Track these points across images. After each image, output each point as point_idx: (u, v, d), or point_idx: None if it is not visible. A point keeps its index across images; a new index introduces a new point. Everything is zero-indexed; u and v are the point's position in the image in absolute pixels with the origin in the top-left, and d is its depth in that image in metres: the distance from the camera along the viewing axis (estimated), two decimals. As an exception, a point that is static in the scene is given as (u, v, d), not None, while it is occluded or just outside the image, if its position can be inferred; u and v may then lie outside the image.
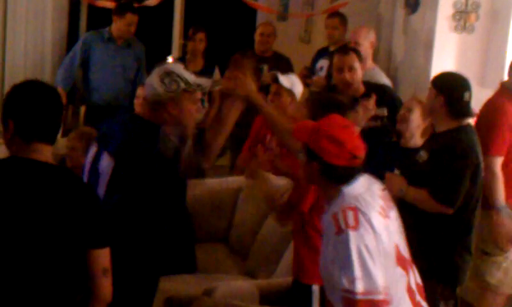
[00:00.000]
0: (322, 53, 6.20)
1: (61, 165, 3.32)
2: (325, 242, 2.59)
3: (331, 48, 6.13)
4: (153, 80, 3.14)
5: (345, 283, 2.40)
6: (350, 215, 2.47)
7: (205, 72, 6.18)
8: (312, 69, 6.22)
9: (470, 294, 4.63)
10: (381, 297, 2.40)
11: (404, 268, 2.58)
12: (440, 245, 3.76)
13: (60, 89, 5.92)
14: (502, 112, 4.33)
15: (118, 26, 6.08)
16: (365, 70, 4.84)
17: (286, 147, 3.50)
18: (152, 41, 6.82)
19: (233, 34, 7.81)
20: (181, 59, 6.33)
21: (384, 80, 5.29)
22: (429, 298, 2.80)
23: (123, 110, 5.63)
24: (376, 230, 2.46)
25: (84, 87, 6.31)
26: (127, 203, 3.09)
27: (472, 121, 4.10)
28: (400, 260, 2.56)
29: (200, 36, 6.26)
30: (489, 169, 4.16)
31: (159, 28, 7.55)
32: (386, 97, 4.64)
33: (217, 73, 6.25)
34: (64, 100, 5.95)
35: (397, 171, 3.91)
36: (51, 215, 2.46)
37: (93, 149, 3.24)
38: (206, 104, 6.20)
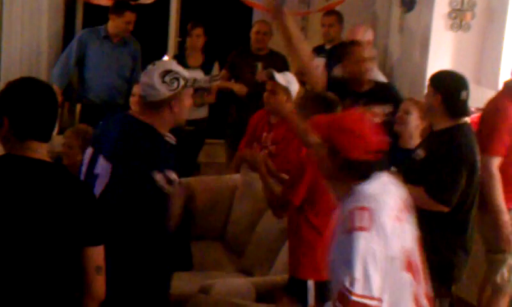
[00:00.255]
0: (318, 51, 6.20)
1: (57, 162, 3.31)
2: (335, 236, 2.56)
3: (327, 46, 6.14)
4: (154, 80, 3.08)
5: (346, 280, 2.39)
6: (363, 215, 2.43)
7: (204, 67, 6.19)
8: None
9: (467, 292, 4.64)
10: (374, 303, 2.38)
11: (414, 275, 2.54)
12: (436, 244, 3.77)
13: (56, 87, 5.90)
14: (503, 113, 4.31)
15: (116, 24, 6.07)
16: (374, 64, 4.85)
17: (306, 145, 3.53)
18: (148, 39, 6.81)
19: (230, 31, 7.80)
20: (179, 56, 6.33)
21: (381, 78, 5.29)
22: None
23: (119, 109, 5.62)
24: (386, 234, 2.42)
25: (79, 85, 6.30)
26: (124, 204, 3.06)
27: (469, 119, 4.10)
28: (409, 266, 2.52)
29: (197, 31, 6.25)
30: (486, 169, 4.15)
31: (155, 26, 7.54)
32: (391, 95, 4.65)
33: (216, 69, 6.25)
34: (60, 97, 5.94)
35: (394, 169, 3.92)
36: (46, 213, 2.45)
37: (89, 152, 3.20)
38: (205, 100, 6.22)
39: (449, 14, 5.55)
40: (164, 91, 3.08)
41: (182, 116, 3.20)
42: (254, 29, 6.45)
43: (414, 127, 4.19)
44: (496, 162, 4.26)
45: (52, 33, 6.50)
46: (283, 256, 3.97)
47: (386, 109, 4.50)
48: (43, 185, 2.48)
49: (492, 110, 4.39)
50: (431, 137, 3.93)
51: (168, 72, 3.11)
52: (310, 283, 3.48)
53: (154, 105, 3.11)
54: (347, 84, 4.62)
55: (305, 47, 4.44)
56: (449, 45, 5.59)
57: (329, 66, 5.76)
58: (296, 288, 3.53)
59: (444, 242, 3.79)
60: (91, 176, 3.09)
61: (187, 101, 3.19)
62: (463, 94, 3.81)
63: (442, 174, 3.71)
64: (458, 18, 5.57)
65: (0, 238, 2.44)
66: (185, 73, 3.18)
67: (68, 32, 6.81)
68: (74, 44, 6.14)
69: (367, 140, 2.53)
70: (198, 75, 3.65)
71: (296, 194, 3.46)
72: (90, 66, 6.10)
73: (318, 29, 6.49)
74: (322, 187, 3.47)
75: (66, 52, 6.18)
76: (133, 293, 3.13)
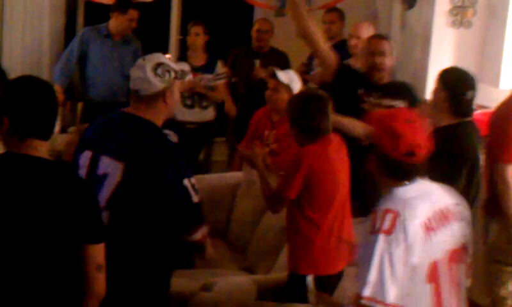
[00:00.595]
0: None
1: (57, 161, 3.30)
2: (365, 234, 2.54)
3: (329, 44, 6.13)
4: (147, 74, 3.11)
5: (360, 281, 2.38)
6: (388, 218, 2.40)
7: (207, 67, 6.17)
8: (310, 65, 6.23)
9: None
10: None
11: (437, 288, 2.48)
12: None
13: (57, 85, 5.91)
14: None
15: (119, 22, 6.07)
16: (394, 62, 4.84)
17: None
18: (149, 37, 6.81)
19: (231, 29, 7.81)
20: (182, 56, 6.32)
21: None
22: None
23: (121, 107, 5.62)
24: (408, 240, 2.38)
25: (81, 83, 6.30)
26: (138, 201, 3.06)
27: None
28: (434, 279, 2.47)
29: (196, 29, 6.21)
30: (501, 177, 4.00)
31: (156, 24, 7.54)
32: (407, 92, 4.64)
33: (220, 67, 6.24)
34: (61, 96, 5.95)
35: None
36: (46, 211, 2.46)
37: (87, 155, 3.16)
38: (210, 97, 6.21)
39: (450, 11, 5.55)
40: (157, 83, 3.11)
41: (174, 108, 3.25)
42: (255, 27, 6.45)
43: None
44: (510, 170, 4.06)
45: (53, 31, 6.50)
46: (286, 254, 3.97)
47: (399, 104, 4.51)
48: (43, 183, 2.49)
49: (503, 116, 4.21)
50: (433, 134, 3.91)
51: (159, 65, 3.14)
52: (309, 279, 3.49)
53: (149, 99, 3.13)
54: (363, 75, 4.63)
55: (319, 32, 4.63)
56: (450, 42, 5.59)
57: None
58: (295, 284, 3.54)
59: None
60: (95, 178, 3.08)
61: (178, 93, 3.23)
62: (469, 94, 3.79)
63: (442, 171, 3.71)
64: (459, 15, 5.57)
65: (0, 236, 2.45)
66: (174, 65, 3.22)
67: (69, 30, 6.81)
68: (76, 42, 6.14)
69: (407, 142, 2.48)
70: (186, 67, 3.77)
71: (291, 188, 3.47)
72: (92, 65, 6.10)
73: (319, 26, 6.48)
74: (318, 181, 3.50)
75: (67, 51, 6.18)
76: (135, 289, 3.14)
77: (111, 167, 3.06)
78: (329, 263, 3.55)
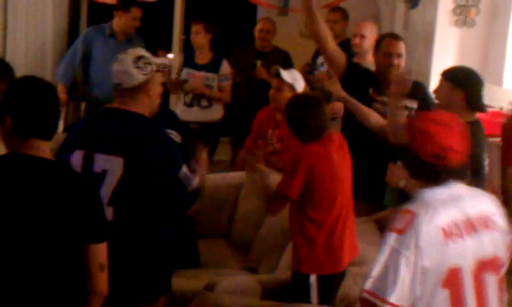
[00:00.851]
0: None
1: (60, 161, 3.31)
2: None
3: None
4: (128, 66, 3.16)
5: (368, 275, 2.38)
6: (404, 218, 2.37)
7: (211, 66, 6.13)
8: (313, 65, 6.22)
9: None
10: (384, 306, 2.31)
11: (456, 295, 2.41)
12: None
13: (61, 85, 5.93)
14: None
15: (123, 21, 6.08)
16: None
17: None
18: (152, 36, 6.82)
19: (234, 28, 7.81)
20: (188, 56, 6.31)
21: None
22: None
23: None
24: (419, 243, 2.34)
25: (84, 82, 6.31)
26: (138, 196, 3.12)
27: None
28: (452, 285, 2.40)
29: (195, 28, 6.15)
30: None
31: (159, 24, 7.55)
32: (420, 92, 4.63)
33: (225, 66, 6.17)
34: (65, 95, 5.96)
35: (399, 164, 3.91)
36: (48, 210, 2.47)
37: (79, 156, 3.16)
38: (213, 96, 6.20)
39: (454, 10, 5.55)
40: (138, 75, 3.16)
41: (156, 100, 3.31)
42: (258, 27, 6.44)
43: None
44: None
45: (56, 31, 6.51)
46: (289, 253, 3.97)
47: (410, 104, 4.50)
48: (46, 183, 2.49)
49: None
50: None
51: (140, 58, 3.19)
52: (313, 278, 3.49)
53: (131, 92, 3.18)
54: (375, 74, 4.63)
55: (328, 31, 4.64)
56: (454, 41, 5.59)
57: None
58: (298, 283, 3.54)
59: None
60: (91, 176, 3.10)
61: (159, 86, 3.30)
62: (483, 90, 3.85)
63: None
64: (463, 14, 5.57)
65: (3, 236, 2.45)
66: (155, 58, 3.28)
67: (72, 30, 6.82)
68: (79, 42, 6.15)
69: (438, 144, 2.43)
70: (168, 61, 3.85)
71: (291, 187, 3.47)
72: (95, 64, 6.11)
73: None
74: (319, 180, 3.49)
75: (71, 50, 6.19)
76: (141, 278, 3.20)
77: (110, 164, 3.09)
78: (332, 262, 3.55)
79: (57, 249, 2.49)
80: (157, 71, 3.25)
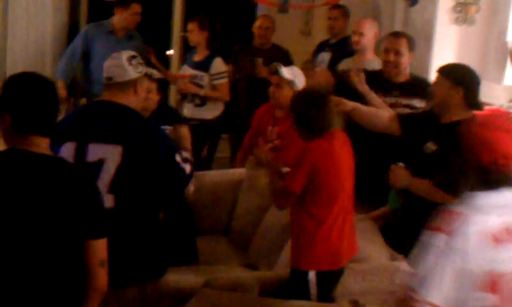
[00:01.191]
0: (323, 46, 6.20)
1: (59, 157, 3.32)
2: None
3: (332, 41, 6.13)
4: (122, 62, 3.29)
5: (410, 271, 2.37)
6: (450, 219, 2.34)
7: (203, 63, 6.10)
8: (313, 62, 6.22)
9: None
10: (419, 305, 2.29)
11: (502, 301, 2.36)
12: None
13: (61, 82, 5.93)
14: None
15: (124, 17, 6.08)
16: (412, 59, 4.84)
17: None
18: (152, 33, 6.82)
19: (234, 26, 7.81)
20: (187, 53, 6.30)
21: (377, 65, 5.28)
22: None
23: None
24: (467, 246, 2.31)
25: (84, 79, 6.32)
26: (136, 183, 3.19)
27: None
28: (498, 290, 2.36)
29: (190, 26, 6.11)
30: None
31: (159, 21, 7.55)
32: (424, 90, 4.63)
33: (217, 64, 6.09)
34: (65, 92, 5.96)
35: (401, 164, 3.90)
36: (48, 206, 2.47)
37: (70, 147, 3.20)
38: (208, 95, 6.20)
39: (454, 8, 5.53)
40: (131, 71, 3.28)
41: (142, 101, 3.45)
42: (257, 24, 6.44)
43: None
44: None
45: (56, 28, 6.52)
46: (289, 250, 3.97)
47: (418, 103, 4.50)
48: (45, 179, 2.50)
49: None
50: (441, 130, 3.90)
51: (134, 57, 3.34)
52: (312, 274, 3.50)
53: (122, 86, 3.28)
54: (381, 74, 4.63)
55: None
56: (454, 38, 5.57)
57: (333, 61, 5.76)
58: (297, 280, 3.54)
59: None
60: (85, 166, 3.14)
61: (144, 90, 3.52)
62: (480, 87, 3.85)
63: (454, 165, 3.69)
64: (463, 11, 5.55)
65: (3, 232, 2.45)
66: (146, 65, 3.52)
67: (72, 27, 6.82)
68: (79, 39, 6.16)
69: (494, 150, 2.40)
70: (155, 73, 4.18)
71: (296, 182, 3.48)
72: (95, 61, 6.10)
73: (323, 23, 6.48)
74: (322, 176, 3.50)
75: (71, 47, 6.19)
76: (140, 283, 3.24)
77: (108, 152, 3.14)
78: (332, 259, 3.55)
79: (57, 245, 2.50)
80: (146, 75, 3.43)
